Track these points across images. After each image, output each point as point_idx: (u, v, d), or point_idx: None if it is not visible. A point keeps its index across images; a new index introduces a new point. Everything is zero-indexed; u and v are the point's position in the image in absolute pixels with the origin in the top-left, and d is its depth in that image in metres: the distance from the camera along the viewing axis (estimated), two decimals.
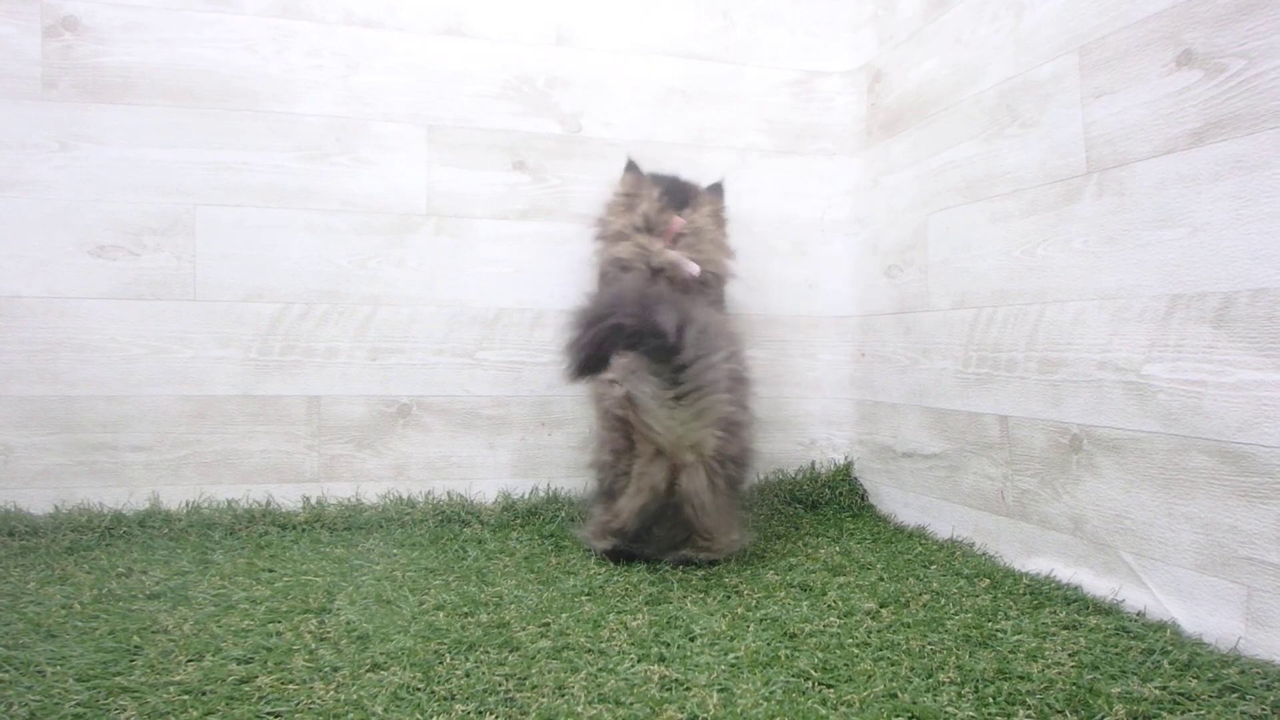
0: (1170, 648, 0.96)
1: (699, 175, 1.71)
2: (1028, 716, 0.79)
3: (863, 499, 1.78)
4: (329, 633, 1.02)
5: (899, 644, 0.98)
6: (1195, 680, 0.87)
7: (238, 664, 0.93)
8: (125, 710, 0.81)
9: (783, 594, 1.19)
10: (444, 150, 1.68)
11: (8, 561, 1.33)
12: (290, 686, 0.87)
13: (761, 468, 1.81)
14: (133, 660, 0.94)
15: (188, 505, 1.56)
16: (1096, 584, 1.17)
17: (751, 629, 1.04)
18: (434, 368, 1.67)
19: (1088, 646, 0.97)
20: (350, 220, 1.64)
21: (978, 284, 1.44)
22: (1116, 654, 0.95)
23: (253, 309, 1.60)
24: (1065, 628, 1.04)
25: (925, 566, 1.32)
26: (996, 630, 1.03)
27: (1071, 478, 1.23)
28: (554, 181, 1.72)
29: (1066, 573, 1.22)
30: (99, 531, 1.47)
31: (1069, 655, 0.94)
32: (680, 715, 0.80)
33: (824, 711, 0.80)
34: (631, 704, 0.82)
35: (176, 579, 1.25)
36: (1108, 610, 1.10)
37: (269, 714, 0.81)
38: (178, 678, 0.89)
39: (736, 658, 0.94)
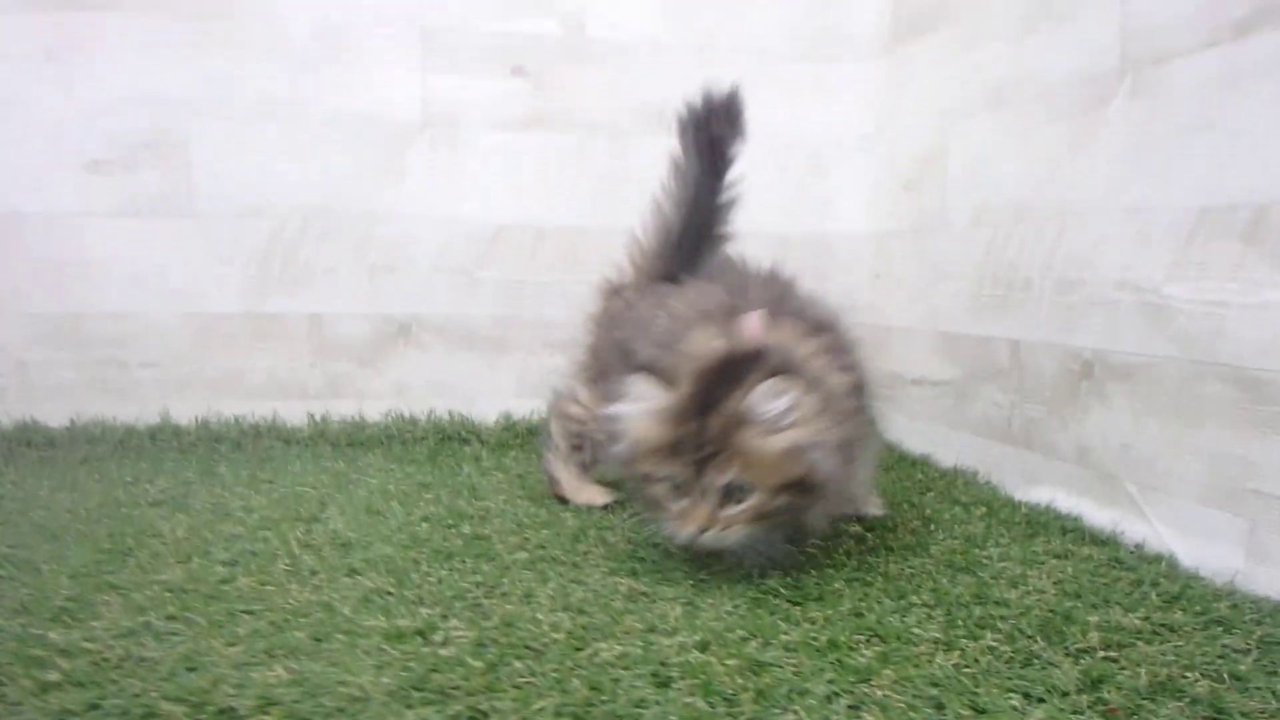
0: (1161, 580, 0.93)
1: (711, 84, 1.62)
2: (996, 639, 0.77)
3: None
4: (314, 540, 1.04)
5: (876, 566, 0.97)
6: (1181, 613, 0.84)
7: (222, 566, 0.95)
8: (109, 604, 0.84)
9: None
10: (439, 56, 1.62)
11: (25, 470, 1.38)
12: (268, 588, 0.89)
13: None
14: (125, 561, 0.97)
15: (197, 420, 1.60)
16: (1097, 515, 1.13)
17: None
18: (433, 286, 1.66)
19: (1074, 576, 0.94)
20: (343, 133, 1.61)
21: (997, 199, 1.36)
22: (1104, 584, 0.92)
23: (250, 225, 1.60)
24: (1056, 557, 1.01)
25: (922, 494, 1.29)
26: (982, 557, 1.00)
27: (1080, 406, 1.18)
28: (555, 89, 1.66)
29: (1068, 503, 1.19)
30: (111, 444, 1.52)
31: (1054, 583, 0.91)
32: (639, 625, 0.80)
33: (784, 626, 0.79)
34: (594, 613, 0.82)
35: (180, 488, 1.28)
36: (1104, 541, 1.06)
37: (242, 612, 0.82)
38: (163, 577, 0.91)
39: (708, 574, 0.94)
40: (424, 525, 1.11)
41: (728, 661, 0.72)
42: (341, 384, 1.65)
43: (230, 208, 1.59)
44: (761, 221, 1.76)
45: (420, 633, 0.77)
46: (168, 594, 0.87)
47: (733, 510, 0.87)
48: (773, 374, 0.85)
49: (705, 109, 1.19)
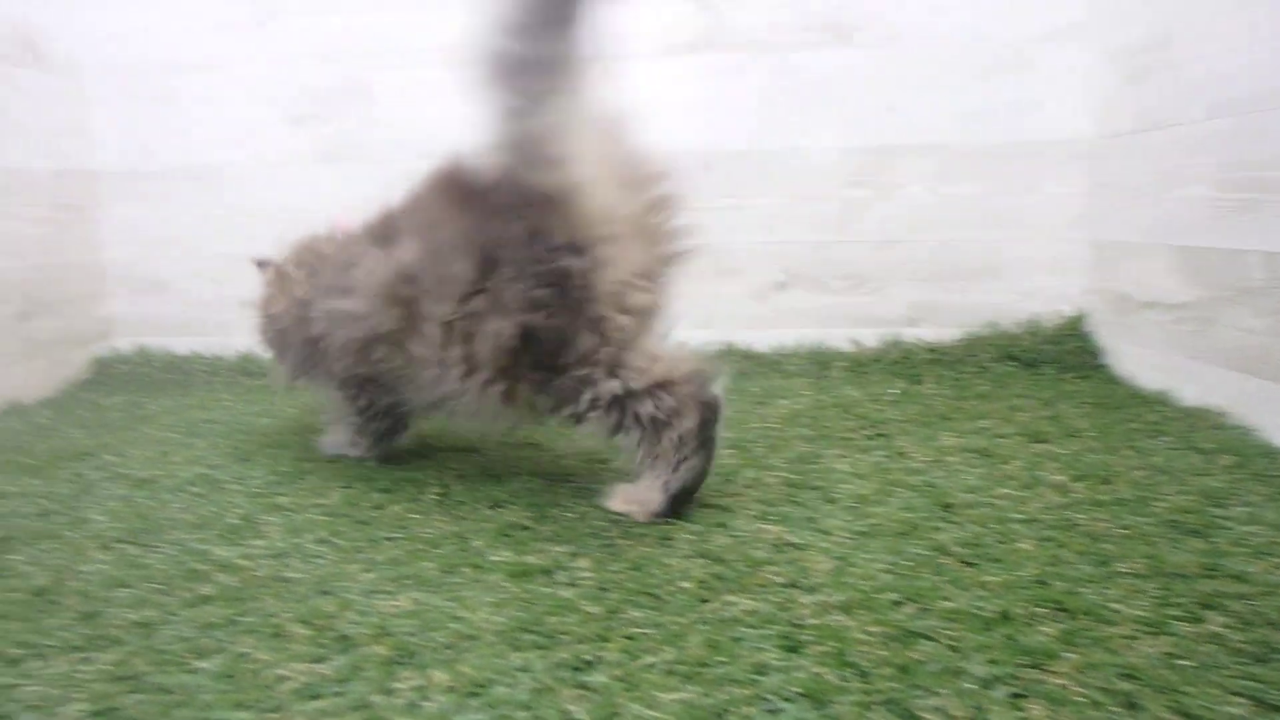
0: None
1: None
2: (1224, 625, 0.61)
3: (1095, 358, 1.51)
4: (467, 470, 1.05)
5: (1078, 524, 0.81)
6: None
7: (378, 493, 0.98)
8: (272, 524, 0.89)
9: (955, 459, 1.03)
10: None
11: (239, 397, 1.53)
12: (412, 515, 0.90)
13: (967, 321, 1.59)
14: (296, 484, 1.03)
15: None
16: None
17: (902, 495, 0.91)
18: None
19: None
20: None
21: (1236, 85, 1.09)
22: None
23: (429, 168, 1.64)
24: None
25: (1151, 438, 1.08)
26: (1221, 519, 0.81)
27: None
28: (722, 6, 1.53)
29: None
30: None
31: None
32: (778, 579, 0.72)
33: (948, 590, 0.68)
34: (732, 561, 0.76)
35: None
36: None
37: (384, 539, 0.84)
38: (323, 501, 0.96)
39: (871, 525, 0.83)
40: (572, 461, 1.09)
41: (871, 628, 0.62)
42: None
43: (410, 151, 1.63)
44: (946, 132, 1.55)
45: (545, 571, 0.75)
46: (324, 518, 0.90)
47: None
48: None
49: None
